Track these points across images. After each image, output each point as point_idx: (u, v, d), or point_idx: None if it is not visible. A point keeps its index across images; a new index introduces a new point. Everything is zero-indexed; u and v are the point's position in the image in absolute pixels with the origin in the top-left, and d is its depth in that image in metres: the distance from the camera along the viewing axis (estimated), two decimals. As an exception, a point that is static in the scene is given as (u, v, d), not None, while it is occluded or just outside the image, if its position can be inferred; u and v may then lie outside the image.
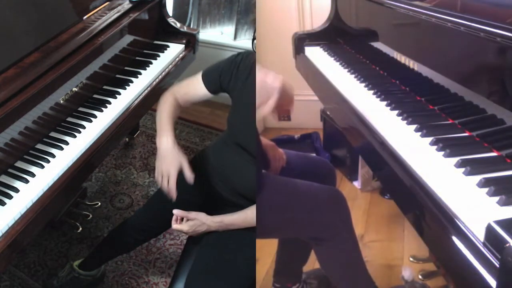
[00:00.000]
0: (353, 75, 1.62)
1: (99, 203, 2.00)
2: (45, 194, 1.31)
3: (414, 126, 1.17)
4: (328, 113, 2.46)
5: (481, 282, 0.75)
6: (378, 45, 1.65)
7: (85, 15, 1.68)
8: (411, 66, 1.40)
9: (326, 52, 1.93)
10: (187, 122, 2.71)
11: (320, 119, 2.59)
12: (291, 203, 1.26)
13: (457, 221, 0.85)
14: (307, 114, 2.80)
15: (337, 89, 1.59)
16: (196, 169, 1.51)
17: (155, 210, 1.59)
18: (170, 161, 1.35)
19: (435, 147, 1.06)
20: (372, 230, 2.05)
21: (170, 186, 1.35)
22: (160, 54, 1.95)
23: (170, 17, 2.08)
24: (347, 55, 1.86)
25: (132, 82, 1.77)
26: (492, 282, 0.73)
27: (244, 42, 2.73)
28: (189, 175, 1.34)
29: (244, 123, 1.38)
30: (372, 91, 1.45)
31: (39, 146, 1.43)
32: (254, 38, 1.30)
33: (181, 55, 2.01)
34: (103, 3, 1.78)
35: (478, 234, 0.79)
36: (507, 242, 0.73)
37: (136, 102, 1.71)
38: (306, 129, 2.69)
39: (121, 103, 1.66)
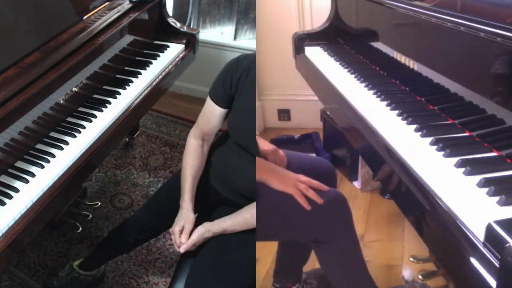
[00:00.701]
0: (353, 75, 1.62)
1: (99, 203, 2.00)
2: (45, 194, 1.31)
3: (414, 126, 1.17)
4: (328, 113, 2.46)
5: (481, 282, 0.75)
6: (378, 45, 1.65)
7: (85, 15, 1.68)
8: (411, 66, 1.40)
9: (326, 52, 1.93)
10: (187, 122, 2.72)
11: (320, 119, 2.59)
12: (291, 207, 1.26)
13: (457, 221, 0.85)
14: (307, 114, 2.81)
15: (337, 89, 1.59)
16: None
17: (155, 210, 1.59)
18: (177, 220, 1.41)
19: (435, 147, 1.06)
20: (372, 230, 2.05)
21: (175, 242, 1.40)
22: (160, 54, 1.95)
23: (170, 17, 2.08)
24: (347, 55, 1.86)
25: (132, 82, 1.77)
26: (492, 282, 0.73)
27: (244, 42, 2.73)
28: (178, 241, 1.38)
29: (244, 123, 1.38)
30: (372, 91, 1.45)
31: (39, 146, 1.43)
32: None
33: (181, 55, 2.01)
34: (103, 3, 1.77)
35: (478, 234, 0.79)
36: (507, 242, 0.73)
37: (136, 102, 1.71)
38: (306, 129, 2.69)
39: (121, 103, 1.66)
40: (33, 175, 1.33)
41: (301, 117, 2.91)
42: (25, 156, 1.39)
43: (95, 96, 1.67)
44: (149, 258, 1.93)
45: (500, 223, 0.77)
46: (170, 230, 1.43)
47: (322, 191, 1.27)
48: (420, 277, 1.74)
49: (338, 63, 1.79)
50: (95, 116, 1.58)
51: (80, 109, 1.60)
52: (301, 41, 2.03)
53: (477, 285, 0.77)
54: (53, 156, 1.40)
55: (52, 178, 1.34)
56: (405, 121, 1.22)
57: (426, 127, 1.15)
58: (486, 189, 0.88)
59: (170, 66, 1.93)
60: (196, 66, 2.20)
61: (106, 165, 2.37)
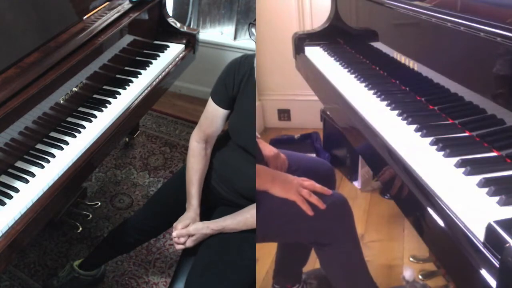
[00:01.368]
0: (353, 75, 1.62)
1: (99, 203, 2.00)
2: (45, 194, 1.31)
3: (414, 126, 1.17)
4: (328, 113, 2.46)
5: (481, 282, 0.75)
6: (378, 45, 1.65)
7: (85, 15, 1.68)
8: (411, 66, 1.40)
9: (326, 52, 1.93)
10: (187, 122, 2.72)
11: (320, 119, 2.59)
12: (292, 210, 1.26)
13: (457, 221, 0.85)
14: (307, 114, 2.81)
15: (337, 89, 1.59)
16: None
17: (155, 210, 1.59)
18: (182, 218, 1.42)
19: (435, 147, 1.06)
20: (372, 230, 2.05)
21: (173, 239, 1.40)
22: (160, 54, 1.95)
23: (170, 17, 2.08)
24: (347, 55, 1.86)
25: (132, 82, 1.77)
26: (492, 282, 0.73)
27: (244, 42, 2.73)
28: (174, 233, 1.39)
29: (244, 124, 1.38)
30: (372, 91, 1.45)
31: (39, 146, 1.43)
32: (251, 23, 1.30)
33: (181, 55, 2.01)
34: (103, 3, 1.77)
35: (478, 234, 0.79)
36: (507, 242, 0.73)
37: (136, 102, 1.71)
38: (306, 129, 2.69)
39: (121, 103, 1.66)
40: (33, 175, 1.33)
41: (301, 117, 2.91)
42: (25, 156, 1.39)
43: (95, 96, 1.67)
44: (149, 258, 1.93)
45: (500, 223, 0.77)
46: (174, 224, 1.42)
47: (325, 194, 1.27)
48: (420, 277, 1.74)
49: (338, 63, 1.79)
50: (95, 116, 1.58)
51: (80, 109, 1.60)
52: (301, 41, 2.03)
53: (477, 285, 0.77)
54: (53, 156, 1.40)
55: (52, 178, 1.34)
56: (405, 121, 1.22)
57: (426, 127, 1.15)
58: (486, 189, 0.88)
59: (170, 66, 1.93)
60: (196, 66, 2.20)
61: (106, 165, 2.37)
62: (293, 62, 2.13)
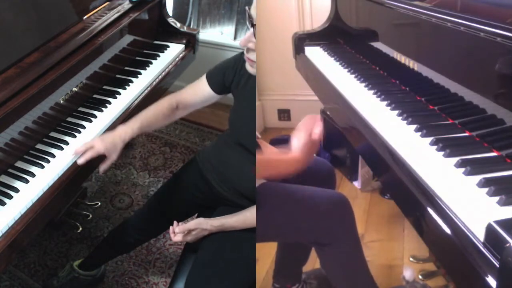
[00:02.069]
0: (353, 75, 1.62)
1: (99, 203, 2.00)
2: (45, 194, 1.31)
3: (414, 126, 1.17)
4: (328, 113, 2.45)
5: (481, 282, 0.75)
6: (378, 45, 1.65)
7: (85, 15, 1.68)
8: (411, 66, 1.40)
9: (326, 52, 1.93)
10: (187, 122, 2.72)
11: (320, 119, 2.58)
12: (293, 210, 1.25)
13: (457, 221, 0.85)
14: (307, 114, 2.80)
15: (337, 89, 1.59)
16: (196, 168, 1.52)
17: (155, 210, 1.59)
18: (103, 139, 1.38)
19: (435, 147, 1.06)
20: (372, 230, 2.05)
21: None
22: (160, 54, 1.95)
23: (170, 17, 2.08)
24: (347, 55, 1.86)
25: (132, 82, 1.77)
26: (492, 282, 0.73)
27: (244, 42, 2.73)
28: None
29: (245, 122, 1.38)
30: (372, 91, 1.45)
31: (39, 146, 1.43)
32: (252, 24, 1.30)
33: (181, 55, 2.01)
34: (103, 3, 1.78)
35: (478, 234, 0.79)
36: (507, 242, 0.73)
37: (136, 102, 1.71)
38: (306, 129, 2.68)
39: (121, 103, 1.66)
40: (33, 175, 1.33)
41: (301, 117, 2.88)
42: (25, 156, 1.39)
43: (95, 96, 1.67)
44: (149, 258, 1.93)
45: (500, 223, 0.77)
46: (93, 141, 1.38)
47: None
48: (420, 277, 1.74)
49: (338, 63, 1.79)
50: (95, 116, 1.58)
51: (80, 109, 1.60)
52: (301, 41, 2.03)
53: (477, 285, 0.77)
54: (53, 156, 1.40)
55: (52, 178, 1.34)
56: (405, 121, 1.21)
57: (426, 127, 1.15)
58: (486, 189, 0.88)
59: (170, 66, 1.93)
60: (196, 66, 2.20)
61: (106, 165, 2.37)
62: (293, 62, 2.13)
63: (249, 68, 1.26)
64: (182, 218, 1.47)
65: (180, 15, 2.74)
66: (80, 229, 1.85)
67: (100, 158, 1.58)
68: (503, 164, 0.97)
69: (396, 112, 1.28)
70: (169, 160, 2.45)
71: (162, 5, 2.03)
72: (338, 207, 1.30)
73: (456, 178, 0.95)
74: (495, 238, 0.76)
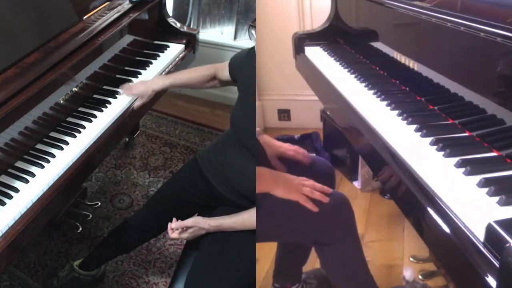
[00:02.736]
0: (353, 75, 1.62)
1: (99, 203, 2.00)
2: (45, 194, 1.31)
3: (414, 126, 1.17)
4: (328, 113, 2.46)
5: (481, 282, 0.75)
6: (378, 45, 1.65)
7: (85, 15, 1.68)
8: (411, 66, 1.40)
9: (326, 52, 1.93)
10: (187, 122, 2.72)
11: (320, 119, 2.59)
12: (294, 212, 1.25)
13: (457, 221, 0.85)
14: (307, 114, 2.81)
15: (337, 89, 1.58)
16: (196, 168, 1.52)
17: (155, 210, 1.59)
18: (139, 85, 1.64)
19: (435, 147, 1.06)
20: (372, 230, 2.05)
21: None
22: (160, 54, 1.95)
23: (170, 17, 2.08)
24: (347, 55, 1.86)
25: (132, 82, 1.77)
26: (492, 282, 0.73)
27: (244, 42, 2.73)
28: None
29: (247, 123, 1.38)
30: (372, 91, 1.45)
31: (39, 146, 1.43)
32: (251, 25, 1.32)
33: (181, 55, 2.01)
34: (103, 3, 1.77)
35: (478, 234, 0.79)
36: (507, 242, 0.73)
37: (136, 102, 1.71)
38: (306, 129, 2.69)
39: (121, 103, 1.66)
40: (33, 175, 1.33)
41: (301, 117, 2.91)
42: (25, 156, 1.39)
43: (95, 96, 1.67)
44: (149, 258, 1.93)
45: (500, 223, 0.77)
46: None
47: (325, 193, 1.27)
48: (420, 277, 1.74)
49: (338, 63, 1.79)
50: (95, 116, 1.58)
51: (80, 109, 1.60)
52: (301, 41, 2.03)
53: (477, 285, 0.77)
54: (53, 156, 1.40)
55: (52, 178, 1.34)
56: (405, 121, 1.21)
57: (426, 127, 1.15)
58: (486, 189, 0.88)
59: (170, 66, 1.93)
60: (196, 66, 2.19)
61: (106, 165, 2.37)
62: (293, 62, 2.13)
63: None
64: (182, 218, 1.47)
65: (180, 15, 2.74)
66: (80, 229, 1.85)
67: (100, 156, 1.59)
68: (503, 164, 0.97)
69: (396, 112, 1.28)
70: (169, 160, 2.45)
71: (162, 5, 2.03)
72: (339, 206, 1.30)
73: (456, 178, 0.94)
74: (495, 238, 0.76)
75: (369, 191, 2.32)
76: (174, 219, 1.38)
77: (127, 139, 2.51)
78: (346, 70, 1.70)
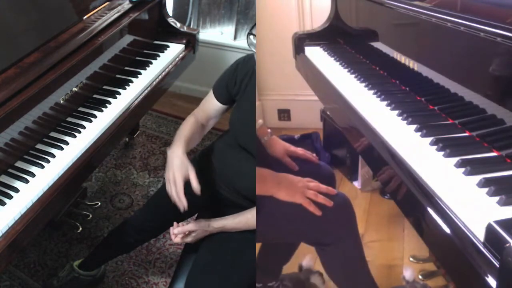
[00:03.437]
0: (353, 75, 1.62)
1: (99, 203, 2.00)
2: (45, 194, 1.31)
3: (414, 126, 1.17)
4: (328, 113, 2.45)
5: (481, 282, 0.75)
6: (378, 45, 1.65)
7: (85, 15, 1.68)
8: (411, 66, 1.40)
9: (326, 52, 1.93)
10: (187, 122, 2.71)
11: (320, 119, 2.59)
12: (295, 212, 1.25)
13: (457, 221, 0.85)
14: (307, 114, 2.80)
15: (337, 89, 1.58)
16: (196, 169, 1.52)
17: (155, 210, 1.59)
18: (177, 168, 1.35)
19: (435, 147, 1.06)
20: (372, 230, 2.05)
21: (178, 194, 1.34)
22: (160, 54, 1.95)
23: (170, 17, 2.08)
24: (347, 55, 1.86)
25: (132, 82, 1.77)
26: (492, 282, 0.73)
27: (244, 42, 2.73)
28: (195, 186, 1.33)
29: (247, 124, 1.38)
30: (372, 91, 1.45)
31: (39, 146, 1.43)
32: (250, 33, 1.30)
33: (181, 55, 2.01)
34: (103, 3, 1.77)
35: (478, 234, 0.79)
36: (507, 242, 0.73)
37: (136, 102, 1.71)
38: (306, 129, 2.69)
39: (121, 103, 1.66)
40: (33, 175, 1.33)
41: (301, 117, 2.91)
42: (25, 156, 1.39)
43: (95, 96, 1.67)
44: (149, 258, 1.93)
45: (500, 223, 0.77)
46: (167, 177, 1.37)
47: (330, 195, 1.27)
48: (420, 277, 1.74)
49: (338, 63, 1.79)
50: (95, 116, 1.58)
51: (80, 109, 1.60)
52: (301, 41, 2.03)
53: (477, 285, 0.77)
54: (53, 156, 1.40)
55: (52, 178, 1.34)
56: (405, 121, 1.21)
57: (426, 127, 1.15)
58: (486, 189, 0.88)
59: (170, 66, 1.93)
60: (196, 66, 2.20)
61: (106, 165, 2.37)
62: (293, 62, 2.13)
63: None
64: (182, 218, 1.47)
65: (180, 15, 2.74)
66: (80, 229, 1.85)
67: (100, 156, 1.59)
68: (503, 164, 0.97)
69: (396, 112, 1.28)
70: (169, 160, 2.44)
71: (162, 5, 2.03)
72: (340, 207, 1.30)
73: (456, 178, 0.94)
74: (495, 238, 0.76)
75: (369, 191, 2.32)
76: (175, 223, 1.38)
77: (127, 139, 2.51)
78: (346, 70, 1.70)
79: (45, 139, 1.46)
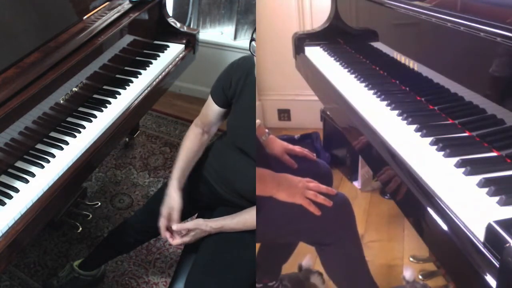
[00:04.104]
0: (353, 75, 1.62)
1: (99, 203, 2.00)
2: (45, 194, 1.31)
3: (414, 126, 1.17)
4: (328, 113, 2.46)
5: (481, 282, 0.75)
6: (378, 45, 1.65)
7: (85, 15, 1.68)
8: (411, 66, 1.40)
9: (326, 52, 1.93)
10: (187, 122, 2.72)
11: (320, 119, 2.59)
12: (294, 213, 1.25)
13: (457, 221, 0.85)
14: (307, 114, 2.81)
15: (337, 89, 1.59)
16: (196, 169, 1.52)
17: (155, 210, 1.58)
18: (165, 205, 1.44)
19: (435, 147, 1.06)
20: (372, 230, 2.05)
21: (160, 226, 1.42)
22: (160, 54, 1.95)
23: (170, 17, 2.08)
24: (347, 55, 1.86)
25: (132, 82, 1.77)
26: (492, 282, 0.73)
27: (244, 42, 2.73)
28: (163, 227, 1.42)
29: (243, 126, 1.38)
30: (372, 91, 1.45)
31: (39, 146, 1.43)
32: (252, 39, 1.30)
33: (181, 55, 2.01)
34: (103, 3, 1.77)
35: (478, 234, 0.79)
36: (507, 242, 0.73)
37: (136, 102, 1.71)
38: (306, 129, 2.69)
39: (121, 103, 1.66)
40: (33, 175, 1.33)
41: (301, 117, 2.91)
42: (25, 156, 1.39)
43: (95, 96, 1.67)
44: (149, 258, 1.93)
45: (500, 223, 0.77)
46: (161, 211, 1.44)
47: (330, 195, 1.27)
48: (420, 277, 1.74)
49: (338, 63, 1.79)
50: (95, 116, 1.58)
51: (80, 109, 1.60)
52: (301, 41, 2.03)
53: (477, 285, 0.77)
54: (53, 156, 1.40)
55: (52, 178, 1.34)
56: (405, 121, 1.22)
57: (426, 127, 1.15)
58: (486, 189, 0.88)
59: (170, 66, 1.93)
60: (196, 66, 2.20)
61: (106, 165, 2.37)
62: (293, 62, 2.13)
63: None
64: (182, 218, 1.47)
65: (180, 15, 2.74)
66: (80, 229, 1.85)
67: (100, 156, 1.58)
68: (503, 164, 0.97)
69: (396, 112, 1.28)
70: (169, 160, 2.45)
71: (162, 5, 2.02)
72: (340, 207, 1.30)
73: (456, 178, 0.95)
74: (495, 238, 0.76)
75: (369, 191, 2.32)
76: (174, 225, 1.39)
77: (127, 139, 2.51)
78: (346, 70, 1.70)
79: (45, 139, 1.46)
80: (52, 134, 1.48)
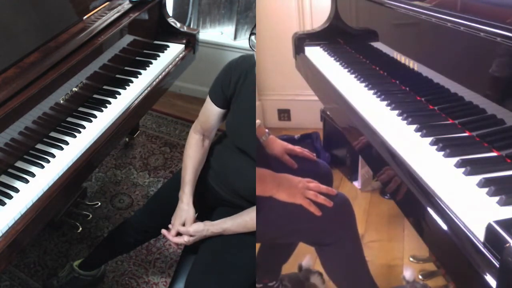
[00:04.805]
0: (353, 75, 1.62)
1: (99, 203, 2.00)
2: (45, 194, 1.31)
3: (414, 126, 1.17)
4: (328, 113, 2.46)
5: (481, 282, 0.75)
6: (378, 45, 1.65)
7: (85, 15, 1.68)
8: (411, 66, 1.40)
9: (326, 52, 1.93)
10: (187, 122, 2.72)
11: (320, 119, 2.59)
12: (295, 213, 1.25)
13: (457, 221, 0.85)
14: (307, 114, 2.81)
15: (337, 89, 1.58)
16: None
17: (155, 210, 1.59)
18: (176, 215, 1.44)
19: (435, 147, 1.06)
20: (372, 230, 2.05)
21: (170, 238, 1.42)
22: (160, 54, 1.95)
23: (170, 17, 2.08)
24: (347, 55, 1.86)
25: (132, 82, 1.77)
26: (492, 282, 0.73)
27: (244, 42, 2.73)
28: (174, 233, 1.42)
29: (243, 126, 1.38)
30: (372, 91, 1.45)
31: (39, 146, 1.43)
32: (252, 33, 1.29)
33: (181, 55, 2.01)
34: (103, 3, 1.77)
35: (478, 234, 0.79)
36: (507, 242, 0.73)
37: (136, 102, 1.71)
38: (306, 129, 2.69)
39: (121, 103, 1.66)
40: (33, 175, 1.33)
41: (301, 117, 2.91)
42: (25, 156, 1.39)
43: (95, 96, 1.67)
44: (149, 258, 1.93)
45: (500, 223, 0.77)
46: (171, 222, 1.44)
47: (330, 195, 1.27)
48: (420, 277, 1.74)
49: (338, 63, 1.79)
50: (95, 116, 1.58)
51: (80, 109, 1.60)
52: (301, 41, 2.03)
53: (477, 285, 0.77)
54: (53, 156, 1.40)
55: (52, 178, 1.34)
56: (405, 121, 1.21)
57: (426, 127, 1.15)
58: (486, 189, 0.88)
59: (170, 66, 1.93)
60: (196, 66, 2.20)
61: (106, 165, 2.37)
62: (293, 62, 2.13)
63: None
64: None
65: (180, 15, 2.74)
66: (80, 229, 1.85)
67: (100, 156, 1.59)
68: (503, 164, 0.97)
69: (396, 112, 1.28)
70: (169, 160, 2.45)
71: (162, 5, 2.02)
72: (340, 207, 1.30)
73: (456, 178, 0.94)
74: (495, 238, 0.76)
75: (369, 191, 2.32)
76: (178, 227, 1.39)
77: (127, 139, 2.51)
78: (346, 70, 1.70)
79: (45, 139, 1.46)
80: (52, 134, 1.48)
